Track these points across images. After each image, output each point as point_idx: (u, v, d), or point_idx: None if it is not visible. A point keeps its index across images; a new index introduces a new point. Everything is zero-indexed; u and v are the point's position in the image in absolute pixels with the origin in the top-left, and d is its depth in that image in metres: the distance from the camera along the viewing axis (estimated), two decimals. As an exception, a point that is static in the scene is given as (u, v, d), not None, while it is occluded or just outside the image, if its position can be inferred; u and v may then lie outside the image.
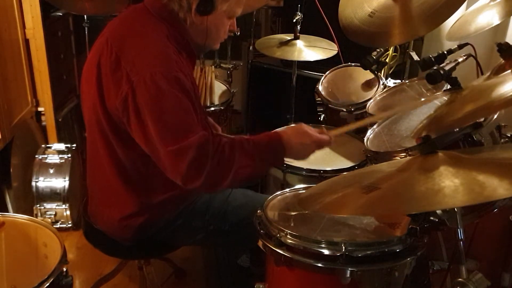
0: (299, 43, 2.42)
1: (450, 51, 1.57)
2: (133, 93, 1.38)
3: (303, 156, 1.55)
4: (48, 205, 2.56)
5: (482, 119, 1.30)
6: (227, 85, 2.79)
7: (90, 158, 1.65)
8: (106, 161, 1.54)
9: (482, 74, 1.53)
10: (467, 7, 2.00)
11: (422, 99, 1.73)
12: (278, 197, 1.53)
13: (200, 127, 1.41)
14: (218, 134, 1.62)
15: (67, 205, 2.56)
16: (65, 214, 2.57)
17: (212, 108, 2.53)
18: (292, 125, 2.00)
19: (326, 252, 1.21)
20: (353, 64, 2.42)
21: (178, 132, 1.37)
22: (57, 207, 2.56)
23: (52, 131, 2.82)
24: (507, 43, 1.43)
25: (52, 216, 2.55)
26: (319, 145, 1.55)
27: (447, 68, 1.40)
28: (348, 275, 1.18)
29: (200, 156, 1.36)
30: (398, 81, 2.37)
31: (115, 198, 1.59)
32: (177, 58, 1.46)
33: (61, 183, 2.54)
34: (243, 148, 1.43)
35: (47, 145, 2.69)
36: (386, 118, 1.72)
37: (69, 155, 2.61)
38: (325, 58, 2.37)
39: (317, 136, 1.54)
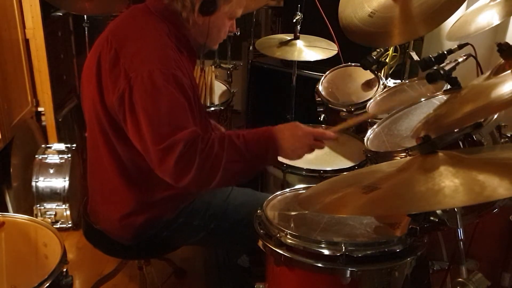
0: (299, 43, 2.42)
1: (450, 51, 1.57)
2: (130, 89, 1.38)
3: (297, 149, 1.46)
4: (48, 205, 2.56)
5: (482, 119, 1.30)
6: (227, 85, 2.79)
7: (90, 156, 1.65)
8: (106, 159, 1.55)
9: (482, 74, 1.52)
10: (467, 7, 1.99)
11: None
12: (278, 197, 1.52)
13: (192, 124, 1.40)
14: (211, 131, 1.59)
15: (67, 205, 2.56)
16: (65, 214, 2.57)
17: (212, 108, 2.53)
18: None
19: (326, 252, 1.21)
20: (353, 64, 2.42)
21: (168, 131, 1.36)
22: (57, 207, 2.56)
23: (52, 131, 2.83)
24: (507, 43, 1.43)
25: (52, 216, 2.56)
26: (314, 137, 1.47)
27: (447, 68, 1.40)
28: (348, 275, 1.19)
29: (188, 151, 1.35)
30: (398, 81, 2.37)
31: (116, 196, 1.59)
32: (177, 56, 1.46)
33: (61, 183, 2.55)
34: (233, 142, 1.40)
35: (47, 145, 2.69)
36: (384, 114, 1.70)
37: (69, 155, 2.62)
38: (325, 58, 2.36)
39: (310, 128, 1.49)
